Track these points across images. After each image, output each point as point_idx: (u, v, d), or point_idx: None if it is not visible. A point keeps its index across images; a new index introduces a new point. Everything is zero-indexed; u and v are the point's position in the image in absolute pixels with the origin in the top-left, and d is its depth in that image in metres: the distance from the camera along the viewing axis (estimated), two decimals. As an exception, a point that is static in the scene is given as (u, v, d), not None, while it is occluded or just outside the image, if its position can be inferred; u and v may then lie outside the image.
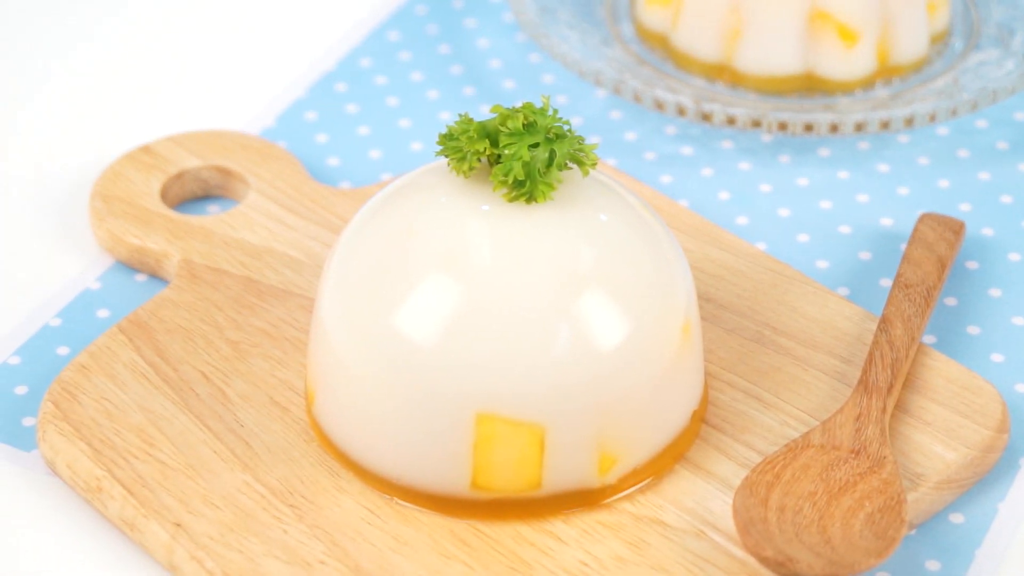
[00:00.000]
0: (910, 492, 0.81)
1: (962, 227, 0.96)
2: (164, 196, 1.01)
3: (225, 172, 1.03)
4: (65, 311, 0.97)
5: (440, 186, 0.81)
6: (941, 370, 0.88)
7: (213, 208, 1.04)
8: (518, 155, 0.78)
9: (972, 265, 0.98)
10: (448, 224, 0.79)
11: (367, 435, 0.81)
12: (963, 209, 1.02)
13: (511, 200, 0.79)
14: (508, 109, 0.79)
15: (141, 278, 0.99)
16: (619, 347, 0.78)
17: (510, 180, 0.78)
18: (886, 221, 1.01)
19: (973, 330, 0.94)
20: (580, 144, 0.79)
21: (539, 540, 0.79)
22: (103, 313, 0.97)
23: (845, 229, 1.01)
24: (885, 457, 0.81)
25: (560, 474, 0.79)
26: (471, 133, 0.79)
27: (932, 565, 0.81)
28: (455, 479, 0.79)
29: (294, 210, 0.99)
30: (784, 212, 1.02)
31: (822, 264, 0.98)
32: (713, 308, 0.92)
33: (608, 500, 0.80)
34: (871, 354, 0.87)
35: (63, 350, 0.94)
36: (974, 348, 0.93)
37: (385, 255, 0.80)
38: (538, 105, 0.79)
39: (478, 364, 0.77)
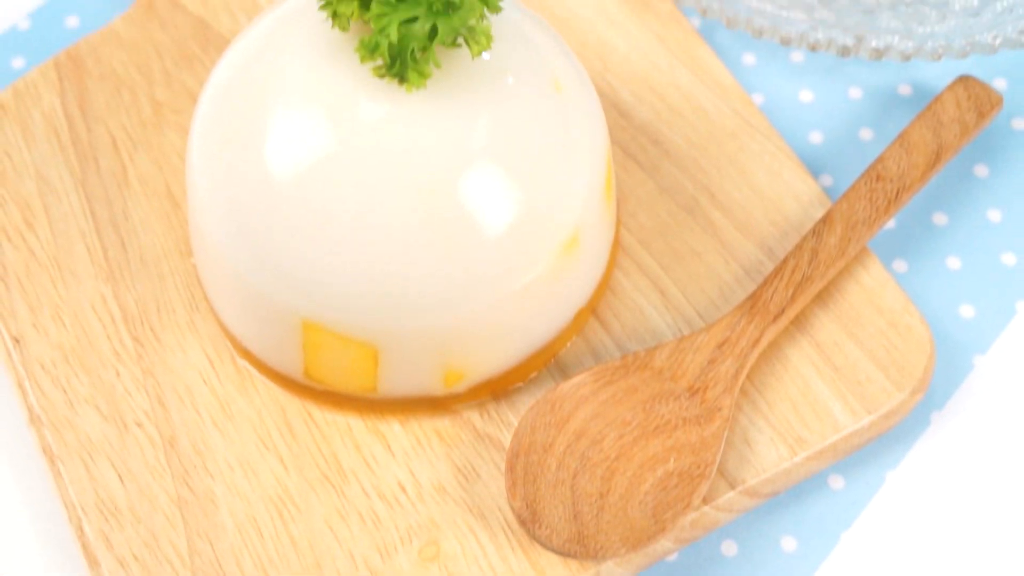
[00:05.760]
0: (782, 461, 0.62)
1: (998, 103, 0.71)
2: None
3: None
4: (39, 12, 0.82)
5: (312, 44, 0.60)
6: (873, 293, 0.66)
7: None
8: (387, 32, 0.56)
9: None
10: (308, 104, 0.59)
11: (220, 293, 0.64)
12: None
13: (380, 76, 0.58)
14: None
15: (120, -19, 0.83)
16: (469, 275, 0.59)
17: (375, 58, 0.58)
18: (905, 90, 0.75)
19: (940, 219, 0.71)
20: (473, 21, 0.57)
21: (367, 444, 0.63)
22: (72, 22, 0.82)
23: (855, 93, 0.75)
24: (721, 409, 0.61)
25: (398, 384, 0.62)
26: (342, -9, 0.58)
27: (787, 543, 0.62)
28: (290, 365, 0.63)
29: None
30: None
31: (815, 137, 0.74)
32: (657, 155, 0.70)
33: (455, 407, 0.64)
34: (782, 264, 0.64)
35: (18, 62, 0.81)
36: (936, 242, 0.70)
37: (244, 131, 0.60)
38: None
39: (307, 277, 0.59)
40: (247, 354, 0.64)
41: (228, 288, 0.62)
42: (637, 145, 0.71)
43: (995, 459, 0.65)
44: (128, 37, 0.75)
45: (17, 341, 0.66)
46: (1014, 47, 0.69)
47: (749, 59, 0.77)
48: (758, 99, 0.75)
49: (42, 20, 0.79)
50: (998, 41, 0.70)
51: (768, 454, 0.62)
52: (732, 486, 0.61)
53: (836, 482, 0.64)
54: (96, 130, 0.72)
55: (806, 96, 0.75)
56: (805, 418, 0.63)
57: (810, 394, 0.63)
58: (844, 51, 0.71)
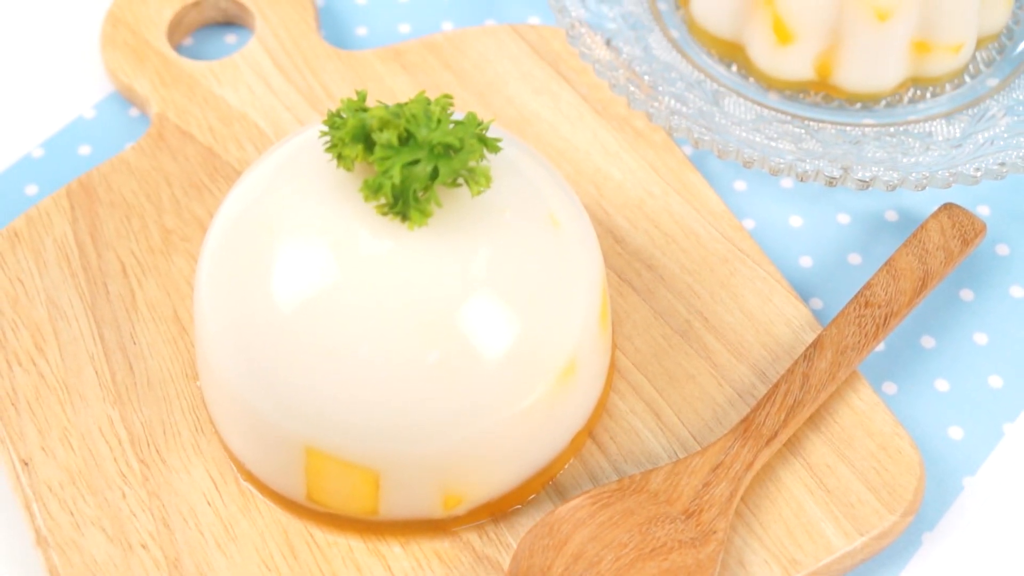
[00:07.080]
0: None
1: (981, 231, 0.72)
2: (179, 23, 0.85)
3: (239, 4, 0.86)
4: (52, 141, 0.83)
5: (318, 180, 0.60)
6: (864, 416, 0.66)
7: (231, 38, 0.87)
8: (390, 173, 0.57)
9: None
10: (313, 239, 0.59)
11: (224, 418, 0.64)
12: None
13: (384, 214, 0.58)
14: (390, 110, 0.58)
15: (134, 113, 0.84)
16: (468, 404, 0.59)
17: (379, 197, 0.58)
18: (892, 216, 0.76)
19: (928, 342, 0.71)
20: (473, 162, 0.58)
21: (368, 566, 0.62)
22: (85, 150, 0.83)
23: (844, 218, 0.76)
24: (715, 531, 0.60)
25: (399, 507, 0.61)
26: (344, 135, 0.58)
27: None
28: (292, 489, 0.62)
29: (283, 69, 0.80)
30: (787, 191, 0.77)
31: (805, 262, 0.74)
32: (652, 280, 0.71)
33: (455, 529, 0.63)
34: (774, 388, 0.65)
35: (32, 189, 0.81)
36: (924, 365, 0.70)
37: (251, 263, 0.60)
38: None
39: (311, 406, 0.59)
40: (251, 477, 0.64)
41: (233, 413, 0.62)
42: (632, 270, 0.72)
43: (986, 579, 0.64)
44: (138, 166, 0.76)
45: (26, 464, 0.66)
46: (995, 178, 0.70)
47: (740, 185, 0.77)
48: (749, 224, 0.75)
49: (55, 148, 0.80)
50: (979, 173, 0.71)
51: (762, 575, 0.62)
52: (727, 608, 0.61)
53: (830, 604, 0.63)
54: (106, 256, 0.72)
55: (796, 221, 0.76)
56: (799, 539, 0.63)
57: (803, 516, 0.63)
58: (831, 182, 0.72)
